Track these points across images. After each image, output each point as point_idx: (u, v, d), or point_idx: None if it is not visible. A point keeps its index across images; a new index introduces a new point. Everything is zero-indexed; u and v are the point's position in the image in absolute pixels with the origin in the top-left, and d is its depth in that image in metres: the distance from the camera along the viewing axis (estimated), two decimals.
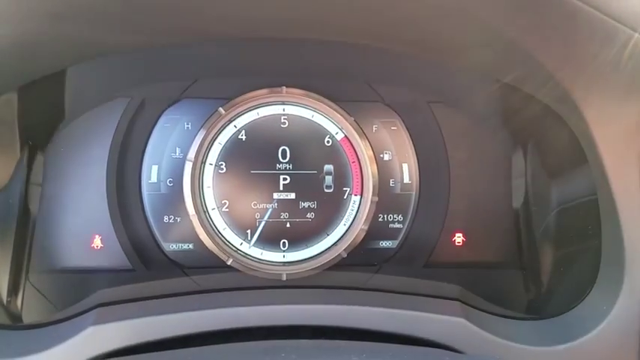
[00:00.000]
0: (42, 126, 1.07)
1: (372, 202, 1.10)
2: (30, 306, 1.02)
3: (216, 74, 1.11)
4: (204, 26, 0.87)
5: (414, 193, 1.15)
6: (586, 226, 0.95)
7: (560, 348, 0.87)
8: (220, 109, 1.08)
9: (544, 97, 0.92)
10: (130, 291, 1.00)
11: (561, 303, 0.98)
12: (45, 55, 0.85)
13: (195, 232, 1.07)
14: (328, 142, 1.12)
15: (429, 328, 0.91)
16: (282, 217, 1.11)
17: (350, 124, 1.11)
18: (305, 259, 1.11)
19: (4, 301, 0.98)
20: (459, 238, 1.14)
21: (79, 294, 1.01)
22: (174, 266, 1.10)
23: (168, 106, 1.10)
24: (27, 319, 1.01)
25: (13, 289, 1.00)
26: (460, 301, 0.97)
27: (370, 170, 1.11)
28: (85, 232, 1.07)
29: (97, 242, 1.08)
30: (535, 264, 1.11)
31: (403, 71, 1.09)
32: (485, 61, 0.92)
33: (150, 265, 1.09)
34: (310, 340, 0.87)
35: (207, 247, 1.07)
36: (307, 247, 1.12)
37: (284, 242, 1.11)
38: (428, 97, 1.13)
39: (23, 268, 1.03)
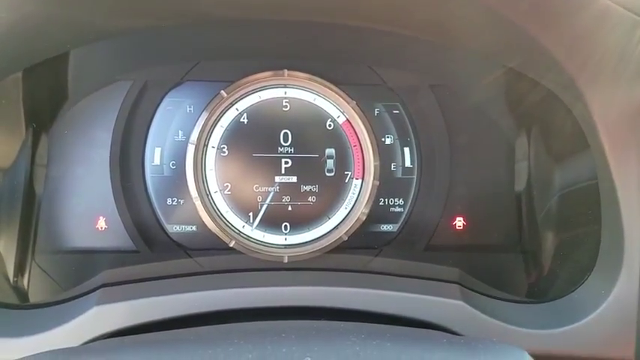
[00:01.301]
0: (46, 108, 1.08)
1: (373, 185, 1.11)
2: (36, 286, 1.04)
3: (218, 57, 1.10)
4: (206, 8, 0.86)
5: (415, 177, 1.15)
6: (587, 211, 0.95)
7: (559, 331, 0.87)
8: (222, 91, 1.08)
9: (548, 83, 0.91)
10: (134, 272, 1.02)
11: (561, 287, 0.99)
12: (47, 38, 0.85)
13: (198, 215, 1.08)
14: (330, 125, 1.12)
15: (428, 311, 0.91)
16: (283, 200, 1.12)
17: (352, 107, 1.10)
18: (306, 242, 1.12)
19: (11, 281, 1.00)
20: (459, 222, 1.15)
21: (84, 274, 1.03)
22: (178, 248, 1.11)
23: (171, 89, 1.10)
24: (33, 298, 1.03)
25: (20, 269, 1.02)
26: (459, 284, 0.97)
27: (371, 154, 1.11)
28: (90, 214, 1.09)
29: (102, 223, 1.09)
30: (536, 248, 1.11)
31: (406, 54, 1.07)
32: (489, 45, 0.90)
33: (153, 246, 1.10)
34: (309, 321, 0.88)
35: (209, 230, 1.08)
36: (309, 230, 1.12)
37: (286, 225, 1.12)
38: (430, 81, 1.12)
39: (29, 248, 1.05)
